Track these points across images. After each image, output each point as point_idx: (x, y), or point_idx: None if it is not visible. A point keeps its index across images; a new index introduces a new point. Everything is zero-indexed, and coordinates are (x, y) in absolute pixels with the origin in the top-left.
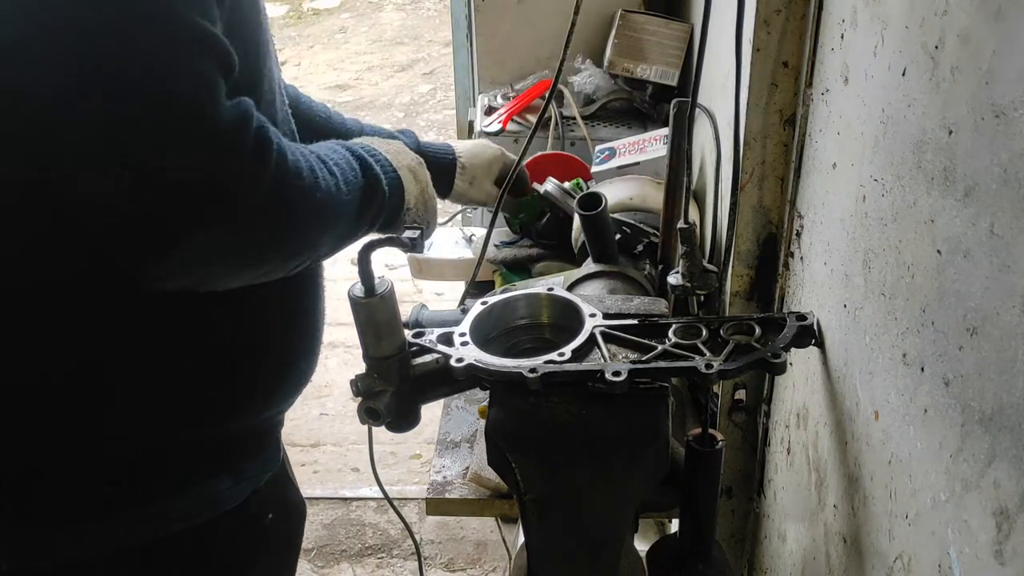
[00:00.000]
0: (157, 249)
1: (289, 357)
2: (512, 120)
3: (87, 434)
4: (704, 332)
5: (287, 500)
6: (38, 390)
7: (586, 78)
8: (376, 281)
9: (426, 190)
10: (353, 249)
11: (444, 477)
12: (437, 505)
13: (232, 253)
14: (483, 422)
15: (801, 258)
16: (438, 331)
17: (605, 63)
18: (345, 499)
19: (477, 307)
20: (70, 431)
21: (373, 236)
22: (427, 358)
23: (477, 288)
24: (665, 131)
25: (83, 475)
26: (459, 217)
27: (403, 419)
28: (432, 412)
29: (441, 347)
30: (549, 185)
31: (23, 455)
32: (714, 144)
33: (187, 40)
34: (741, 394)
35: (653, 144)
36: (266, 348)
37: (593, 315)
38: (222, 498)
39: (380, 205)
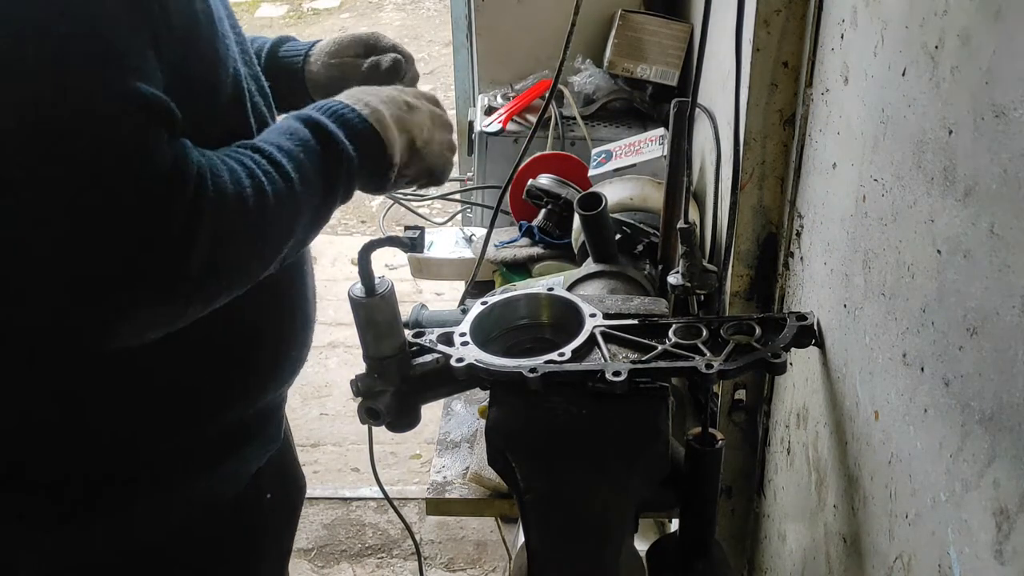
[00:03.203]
0: (99, 320)
1: (283, 344)
2: (512, 120)
3: (91, 438)
4: (704, 332)
5: (286, 478)
6: (45, 397)
7: (586, 78)
8: (376, 281)
9: (420, 137)
10: (353, 249)
11: (444, 477)
12: (437, 505)
13: (185, 308)
14: (483, 422)
15: (801, 258)
16: (438, 331)
17: (605, 63)
18: (345, 499)
19: (477, 307)
20: (73, 434)
21: (373, 236)
22: (427, 358)
23: (477, 288)
24: (661, 131)
25: (92, 476)
26: (459, 217)
27: (403, 419)
28: (432, 412)
29: (441, 347)
30: (544, 179)
31: (42, 461)
32: (714, 144)
33: (120, 108)
34: (741, 394)
35: (649, 145)
36: (259, 338)
37: (593, 315)
38: (225, 483)
39: (349, 174)
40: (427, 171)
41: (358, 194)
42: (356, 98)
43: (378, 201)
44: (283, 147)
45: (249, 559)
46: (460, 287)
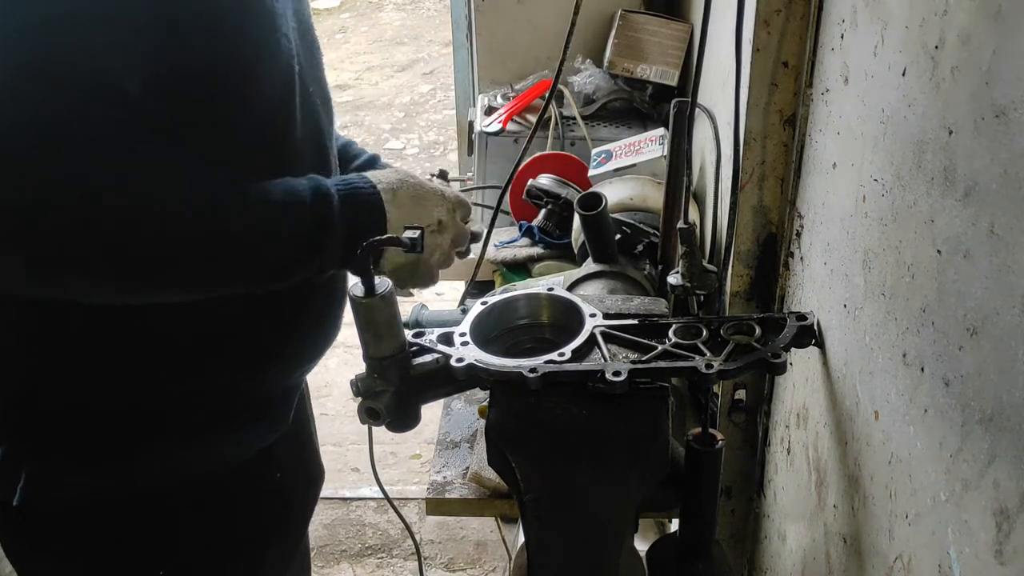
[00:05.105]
0: None
1: (311, 334)
2: (512, 120)
3: (113, 388)
4: (704, 332)
5: (299, 463)
6: (80, 348)
7: (586, 78)
8: (376, 281)
9: (430, 258)
10: None
11: (444, 477)
12: (437, 505)
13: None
14: (483, 422)
15: (801, 258)
16: (438, 331)
17: (605, 63)
18: (345, 499)
19: (477, 307)
20: (96, 385)
21: (373, 236)
22: (427, 358)
23: (477, 288)
24: (661, 131)
25: (108, 421)
26: None
27: (403, 419)
28: (432, 412)
29: (441, 347)
30: (544, 179)
31: (57, 401)
32: (714, 144)
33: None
34: (741, 394)
35: (649, 145)
36: (296, 325)
37: (593, 315)
38: (231, 453)
39: (322, 265)
40: (414, 283)
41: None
42: (397, 204)
43: None
44: (270, 199)
45: (258, 532)
46: (460, 287)
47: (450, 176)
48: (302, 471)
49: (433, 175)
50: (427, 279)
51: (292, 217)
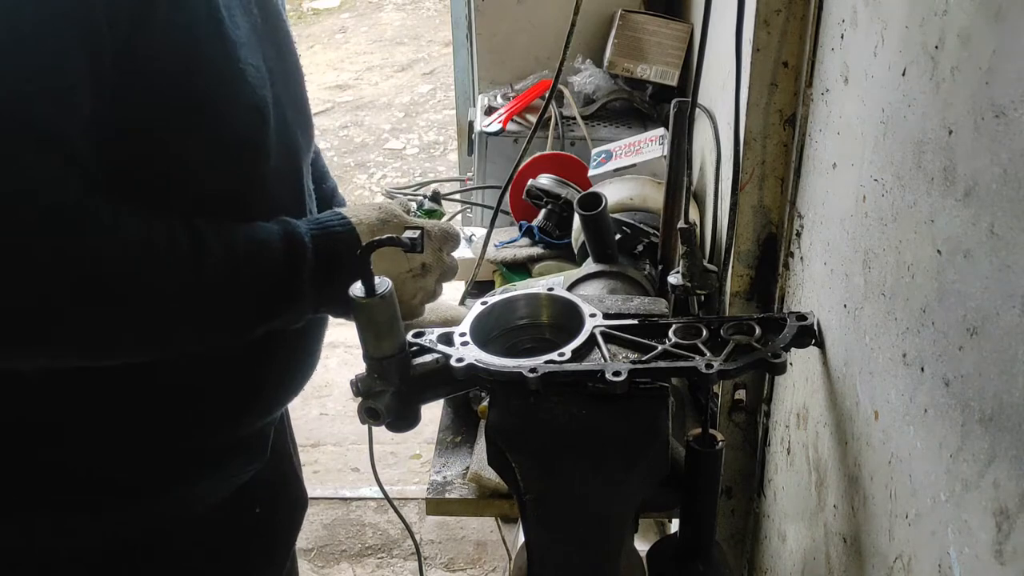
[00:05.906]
0: None
1: (278, 383)
2: (512, 120)
3: (77, 439)
4: (704, 332)
5: (281, 491)
6: (51, 398)
7: (586, 78)
8: (376, 281)
9: (409, 302)
10: None
11: (444, 477)
12: (437, 505)
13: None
14: (483, 422)
15: (801, 258)
16: (438, 331)
17: (605, 63)
18: (345, 499)
19: (477, 307)
20: (62, 436)
21: (374, 236)
22: (427, 358)
23: (477, 288)
24: (661, 131)
25: (75, 472)
26: (459, 217)
27: (403, 419)
28: (432, 412)
29: (441, 347)
30: (544, 179)
31: (33, 453)
32: (714, 144)
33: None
34: (741, 394)
35: (649, 145)
36: (266, 373)
37: (593, 315)
38: (207, 492)
39: (289, 315)
40: None
41: (360, 188)
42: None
43: (378, 199)
44: (236, 246)
45: (243, 564)
46: (460, 287)
47: (449, 177)
48: (285, 499)
49: (426, 197)
50: (408, 317)
51: (259, 267)
